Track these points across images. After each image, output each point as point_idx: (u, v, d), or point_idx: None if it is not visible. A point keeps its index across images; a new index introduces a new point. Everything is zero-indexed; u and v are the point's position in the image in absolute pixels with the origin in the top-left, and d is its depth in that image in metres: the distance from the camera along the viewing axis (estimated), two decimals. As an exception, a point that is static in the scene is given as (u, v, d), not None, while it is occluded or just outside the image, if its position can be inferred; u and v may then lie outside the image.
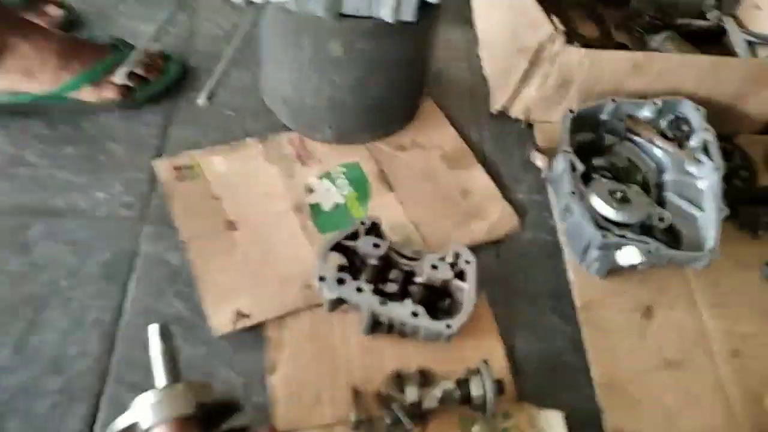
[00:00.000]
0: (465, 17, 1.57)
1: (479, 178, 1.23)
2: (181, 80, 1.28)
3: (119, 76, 1.18)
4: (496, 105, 1.34)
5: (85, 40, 1.23)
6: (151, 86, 1.24)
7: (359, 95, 1.15)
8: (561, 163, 1.14)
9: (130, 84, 1.20)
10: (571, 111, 1.18)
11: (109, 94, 1.18)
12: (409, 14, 0.99)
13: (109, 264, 1.01)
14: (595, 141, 1.24)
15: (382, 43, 1.04)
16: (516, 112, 1.33)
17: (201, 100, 1.12)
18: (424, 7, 0.99)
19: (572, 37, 1.43)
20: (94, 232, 1.04)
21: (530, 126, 1.35)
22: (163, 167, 1.15)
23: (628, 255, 1.01)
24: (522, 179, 1.25)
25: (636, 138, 1.24)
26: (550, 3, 1.46)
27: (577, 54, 1.17)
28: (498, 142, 1.32)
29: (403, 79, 1.18)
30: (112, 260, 1.01)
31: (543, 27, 1.19)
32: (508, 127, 1.34)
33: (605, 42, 1.52)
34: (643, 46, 1.49)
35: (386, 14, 0.99)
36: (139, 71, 1.21)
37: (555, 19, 1.20)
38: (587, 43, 1.42)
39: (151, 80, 1.23)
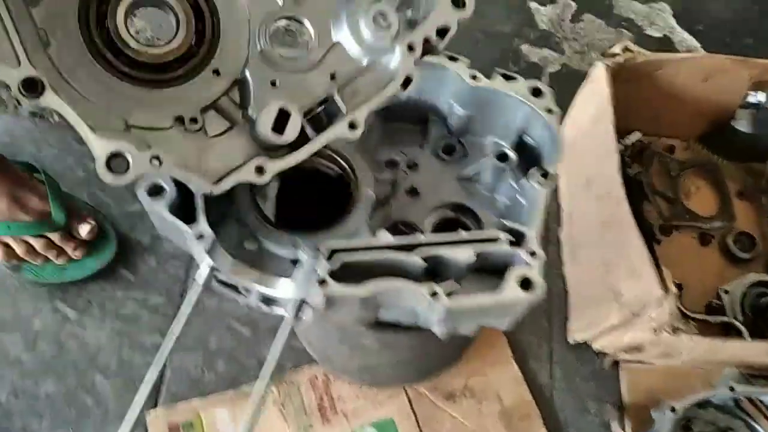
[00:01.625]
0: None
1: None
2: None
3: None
4: (575, 335, 1.08)
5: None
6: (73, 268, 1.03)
7: (397, 352, 0.91)
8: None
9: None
10: (672, 409, 0.90)
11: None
12: (467, 331, 0.73)
13: None
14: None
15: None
16: (600, 345, 1.06)
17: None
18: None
19: (681, 214, 1.16)
20: None
21: (615, 365, 1.07)
22: (157, 426, 0.95)
23: None
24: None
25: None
26: (663, 167, 1.19)
27: (688, 341, 0.89)
28: (571, 388, 1.06)
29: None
30: None
31: (648, 282, 0.90)
32: (587, 363, 1.08)
33: (723, 217, 1.20)
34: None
35: (439, 331, 0.73)
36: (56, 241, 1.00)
37: (666, 273, 0.90)
38: (700, 225, 1.14)
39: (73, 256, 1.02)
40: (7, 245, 0.98)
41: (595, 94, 1.06)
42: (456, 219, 0.80)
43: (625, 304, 0.95)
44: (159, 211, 0.63)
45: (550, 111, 0.75)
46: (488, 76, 0.76)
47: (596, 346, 1.07)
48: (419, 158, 0.81)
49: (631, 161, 1.21)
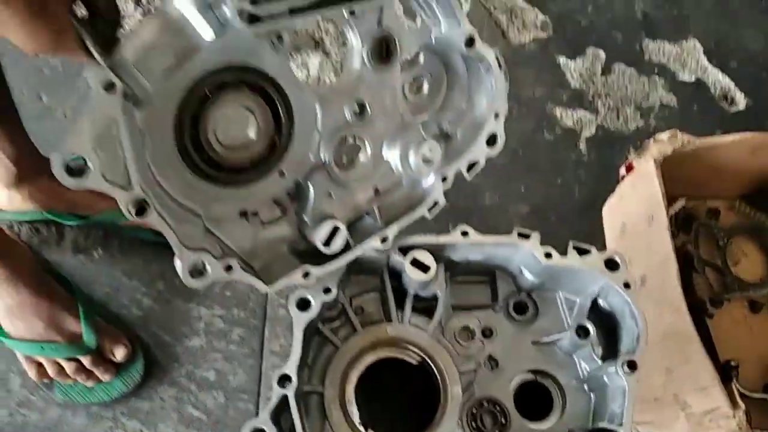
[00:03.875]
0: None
1: None
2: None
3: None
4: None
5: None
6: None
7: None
8: None
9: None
10: None
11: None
12: None
13: None
14: None
15: None
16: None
17: None
18: None
19: (731, 285, 1.16)
20: None
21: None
22: None
23: None
24: None
25: None
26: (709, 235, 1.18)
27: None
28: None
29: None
30: None
31: (717, 399, 0.92)
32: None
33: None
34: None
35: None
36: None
37: (737, 390, 0.92)
38: (750, 293, 1.15)
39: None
40: (40, 364, 1.02)
41: (646, 192, 1.05)
42: (536, 382, 0.81)
43: (692, 415, 0.96)
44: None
45: (627, 285, 0.75)
46: (562, 251, 0.76)
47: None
48: (493, 322, 0.81)
49: (676, 231, 1.20)
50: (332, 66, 1.10)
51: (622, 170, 1.17)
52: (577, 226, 1.12)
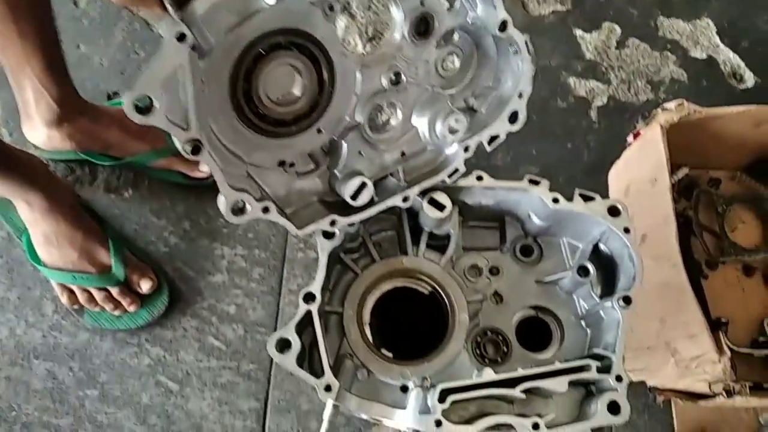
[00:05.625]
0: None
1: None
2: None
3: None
4: (630, 376, 1.16)
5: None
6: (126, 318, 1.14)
7: None
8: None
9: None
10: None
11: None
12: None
13: None
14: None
15: None
16: (654, 383, 1.15)
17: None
18: None
19: (727, 249, 1.22)
20: None
21: (667, 402, 1.17)
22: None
23: None
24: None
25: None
26: (709, 203, 1.24)
27: (742, 401, 0.97)
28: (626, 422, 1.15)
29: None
30: None
31: (705, 346, 0.98)
32: (640, 397, 1.18)
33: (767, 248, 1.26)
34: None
35: None
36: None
37: (724, 341, 0.98)
38: (745, 258, 1.21)
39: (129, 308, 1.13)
40: (72, 292, 1.10)
41: (651, 156, 1.10)
42: (537, 317, 0.87)
43: (681, 360, 1.03)
44: (288, 366, 0.71)
45: (626, 230, 0.81)
46: (568, 196, 0.82)
47: (650, 383, 1.16)
48: (500, 262, 0.87)
49: (678, 197, 1.26)
50: (357, 29, 1.15)
51: (630, 138, 1.23)
52: (583, 186, 1.17)
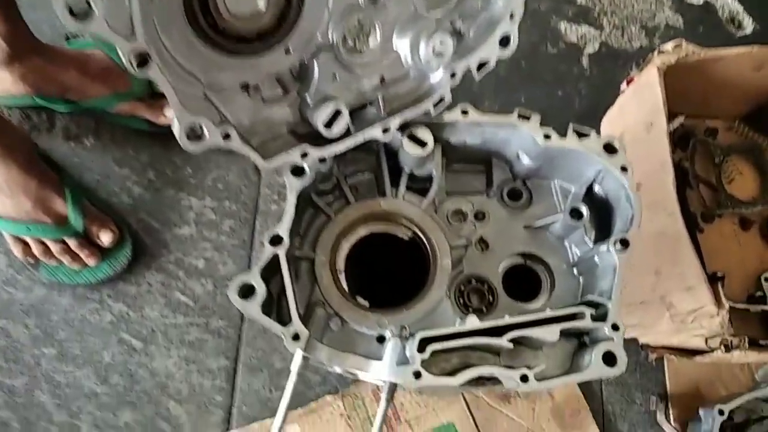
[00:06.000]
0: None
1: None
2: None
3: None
4: (621, 333, 1.11)
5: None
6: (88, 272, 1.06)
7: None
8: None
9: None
10: (721, 412, 0.96)
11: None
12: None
13: None
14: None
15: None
16: (646, 340, 1.11)
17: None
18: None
19: (723, 202, 1.17)
20: None
21: (660, 360, 1.12)
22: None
23: None
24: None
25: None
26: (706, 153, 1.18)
27: (740, 356, 0.93)
28: (618, 381, 1.12)
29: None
30: None
31: (702, 298, 0.93)
32: (632, 354, 1.13)
33: (764, 200, 1.21)
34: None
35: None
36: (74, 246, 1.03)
37: (721, 294, 0.93)
38: (741, 210, 1.15)
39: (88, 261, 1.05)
40: (26, 244, 1.02)
41: (647, 100, 1.04)
42: (525, 266, 0.81)
43: (677, 315, 0.98)
44: (252, 313, 0.64)
45: (624, 169, 0.74)
46: (560, 132, 0.75)
47: (642, 340, 1.11)
48: (486, 207, 0.81)
49: (674, 147, 1.20)
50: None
51: (624, 85, 1.16)
52: (574, 135, 1.13)
